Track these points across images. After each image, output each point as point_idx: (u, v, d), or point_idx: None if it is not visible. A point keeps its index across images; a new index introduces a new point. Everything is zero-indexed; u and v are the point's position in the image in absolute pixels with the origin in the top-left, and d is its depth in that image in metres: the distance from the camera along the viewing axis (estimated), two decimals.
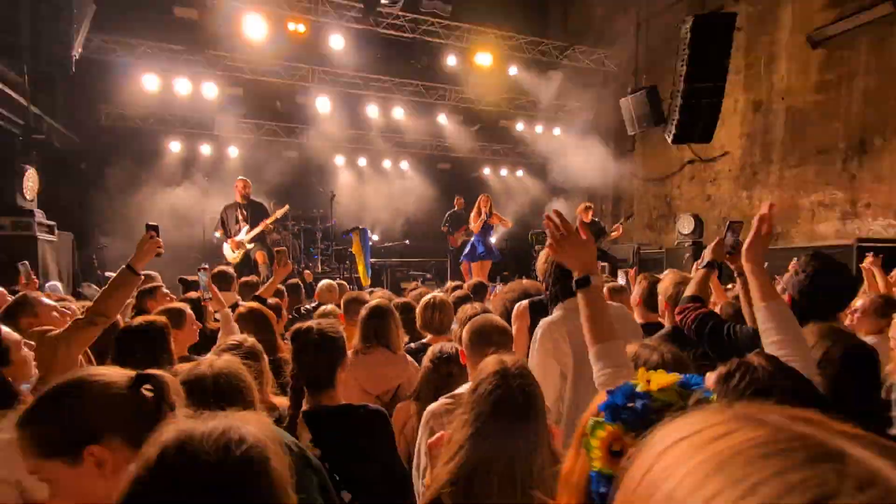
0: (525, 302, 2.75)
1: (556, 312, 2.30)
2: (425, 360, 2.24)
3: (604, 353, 1.35)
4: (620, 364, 1.31)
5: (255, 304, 2.94)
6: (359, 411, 1.82)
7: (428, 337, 3.04)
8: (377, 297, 3.71)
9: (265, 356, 1.99)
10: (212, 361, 1.44)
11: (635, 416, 0.68)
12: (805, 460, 0.26)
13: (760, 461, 0.26)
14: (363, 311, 2.70)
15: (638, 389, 0.71)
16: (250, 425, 0.80)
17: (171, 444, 0.74)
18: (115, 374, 1.12)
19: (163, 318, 2.15)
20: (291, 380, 1.75)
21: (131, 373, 1.13)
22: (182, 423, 0.80)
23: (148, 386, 1.10)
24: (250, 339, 1.97)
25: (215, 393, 1.35)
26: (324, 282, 4.98)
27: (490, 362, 1.35)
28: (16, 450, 1.45)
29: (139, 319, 2.11)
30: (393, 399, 2.51)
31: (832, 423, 0.30)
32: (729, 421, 0.31)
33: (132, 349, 1.98)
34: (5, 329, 1.56)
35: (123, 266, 2.08)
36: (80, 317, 2.08)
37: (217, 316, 3.17)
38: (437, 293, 3.39)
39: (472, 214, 8.30)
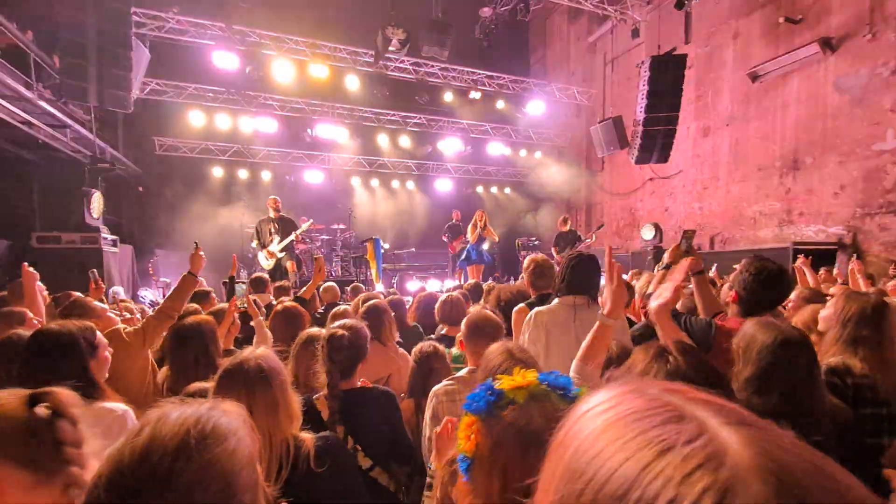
0: (523, 304, 2.69)
1: (553, 303, 2.28)
2: (411, 361, 2.20)
3: (580, 369, 1.43)
4: (586, 380, 1.38)
5: (289, 303, 2.90)
6: (372, 392, 1.84)
7: (445, 329, 2.98)
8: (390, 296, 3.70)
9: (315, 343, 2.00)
10: (252, 350, 1.42)
11: (479, 407, 0.77)
12: (660, 422, 0.30)
13: (633, 424, 0.30)
14: (361, 309, 2.65)
15: (495, 387, 0.79)
16: (227, 413, 0.72)
17: (151, 421, 0.68)
18: (3, 396, 0.92)
19: (211, 318, 2.17)
20: (328, 375, 1.76)
21: (25, 392, 0.93)
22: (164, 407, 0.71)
23: (44, 404, 0.90)
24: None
25: (257, 375, 1.34)
26: (325, 284, 4.78)
27: (496, 346, 1.37)
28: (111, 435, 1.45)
29: (192, 318, 2.13)
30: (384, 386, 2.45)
31: (695, 392, 0.33)
32: (620, 394, 0.34)
33: (185, 342, 2.00)
34: (99, 333, 1.60)
35: (185, 273, 2.38)
36: (156, 313, 2.29)
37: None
38: (454, 293, 3.34)
39: (470, 227, 8.29)
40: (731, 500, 0.24)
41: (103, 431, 1.43)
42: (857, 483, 0.27)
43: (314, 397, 1.76)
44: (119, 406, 1.49)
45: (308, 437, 1.38)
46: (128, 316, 3.46)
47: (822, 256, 6.14)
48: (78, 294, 2.88)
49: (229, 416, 0.72)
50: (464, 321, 1.96)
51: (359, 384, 1.85)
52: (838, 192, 7.13)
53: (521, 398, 0.77)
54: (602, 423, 0.32)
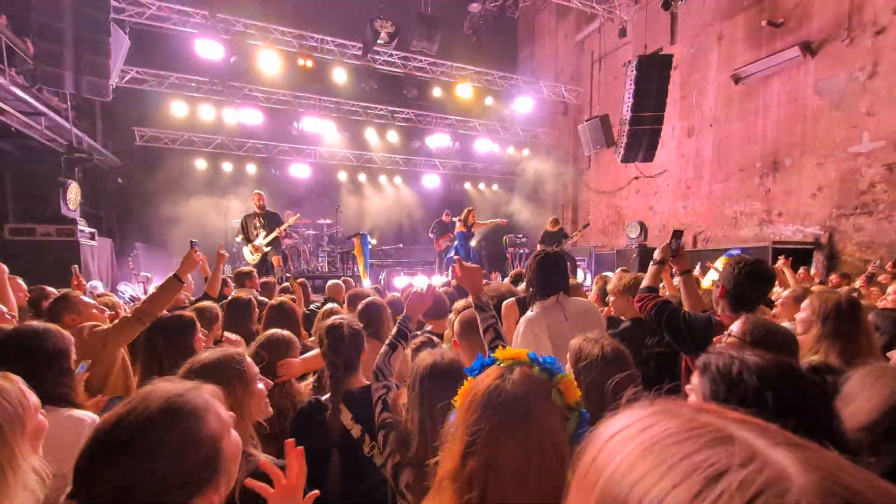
0: (512, 299, 2.66)
1: (535, 309, 2.24)
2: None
3: None
4: None
5: (284, 300, 2.80)
6: None
7: (431, 325, 2.96)
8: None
9: (296, 344, 1.94)
10: (211, 351, 1.32)
11: (474, 369, 0.92)
12: (705, 444, 0.28)
13: (674, 447, 0.29)
14: (359, 306, 2.61)
15: (493, 356, 0.91)
16: (199, 396, 0.82)
17: (137, 398, 0.80)
18: None
19: (191, 314, 2.04)
20: (330, 367, 1.70)
21: None
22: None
23: None
24: (285, 332, 1.91)
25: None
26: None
27: (425, 353, 1.41)
28: (67, 446, 1.37)
29: (170, 314, 2.01)
30: None
31: (727, 411, 0.32)
32: (651, 415, 0.32)
33: (156, 340, 1.87)
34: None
35: (171, 275, 2.10)
36: (128, 315, 2.07)
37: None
38: (438, 289, 3.31)
39: (458, 222, 8.25)
40: None
41: (74, 439, 1.35)
42: None
43: (324, 398, 1.71)
44: (89, 415, 1.42)
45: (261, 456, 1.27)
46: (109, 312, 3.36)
47: (799, 256, 6.31)
48: (51, 289, 2.78)
49: (200, 398, 0.81)
50: (456, 320, 1.94)
51: (365, 381, 1.80)
52: (816, 193, 7.32)
53: (505, 363, 0.87)
54: (638, 447, 0.30)
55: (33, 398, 0.98)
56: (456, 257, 2.25)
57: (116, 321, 2.10)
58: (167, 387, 0.81)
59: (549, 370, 0.86)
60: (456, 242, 8.31)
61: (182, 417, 0.77)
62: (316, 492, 1.03)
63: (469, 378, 0.89)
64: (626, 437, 0.31)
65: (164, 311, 2.13)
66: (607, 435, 0.33)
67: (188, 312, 2.16)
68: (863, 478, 0.26)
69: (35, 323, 1.47)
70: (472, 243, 8.42)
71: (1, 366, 1.32)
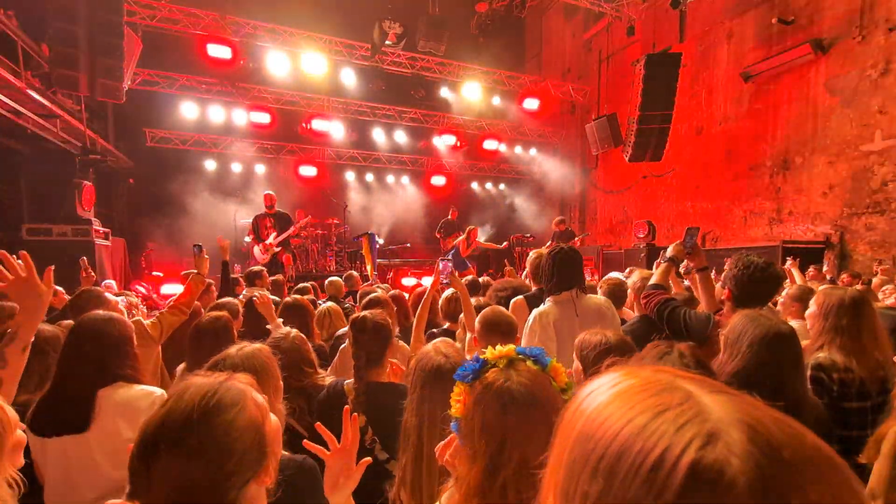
0: (521, 297, 2.70)
1: (547, 303, 2.27)
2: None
3: None
4: None
5: (298, 297, 2.90)
6: (399, 388, 1.79)
7: (447, 324, 3.01)
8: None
9: (308, 344, 2.01)
10: (241, 347, 1.39)
11: (466, 375, 0.91)
12: (656, 392, 0.37)
13: (633, 395, 0.38)
14: (362, 302, 2.69)
15: (481, 357, 0.92)
16: (234, 386, 0.85)
17: (174, 395, 0.83)
18: None
19: (226, 314, 2.14)
20: (354, 359, 1.77)
21: None
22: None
23: None
24: (294, 331, 1.99)
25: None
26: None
27: (430, 348, 1.43)
28: (143, 412, 1.47)
29: (209, 316, 2.11)
30: None
31: (680, 371, 0.41)
32: (620, 376, 0.42)
33: (202, 342, 1.97)
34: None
35: (194, 274, 2.64)
36: (167, 310, 2.46)
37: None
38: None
39: (461, 242, 8.03)
40: (713, 445, 0.31)
41: (148, 406, 1.52)
42: (812, 433, 0.34)
43: (345, 383, 1.77)
44: (157, 389, 1.62)
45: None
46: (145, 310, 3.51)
47: (809, 255, 6.28)
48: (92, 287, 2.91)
49: (235, 388, 0.84)
50: (477, 320, 1.97)
51: (386, 378, 1.84)
52: (827, 191, 7.26)
53: (501, 364, 0.90)
54: (607, 397, 0.40)
55: (12, 414, 0.98)
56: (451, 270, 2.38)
57: (163, 312, 2.40)
58: (201, 381, 0.83)
59: (539, 361, 0.92)
60: (452, 252, 8.16)
61: (224, 409, 0.79)
62: (368, 459, 1.11)
63: (460, 384, 0.91)
64: (599, 392, 0.41)
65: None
66: (588, 391, 0.43)
67: (224, 314, 2.25)
68: (768, 412, 0.35)
69: (101, 312, 1.67)
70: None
71: (74, 350, 1.52)
